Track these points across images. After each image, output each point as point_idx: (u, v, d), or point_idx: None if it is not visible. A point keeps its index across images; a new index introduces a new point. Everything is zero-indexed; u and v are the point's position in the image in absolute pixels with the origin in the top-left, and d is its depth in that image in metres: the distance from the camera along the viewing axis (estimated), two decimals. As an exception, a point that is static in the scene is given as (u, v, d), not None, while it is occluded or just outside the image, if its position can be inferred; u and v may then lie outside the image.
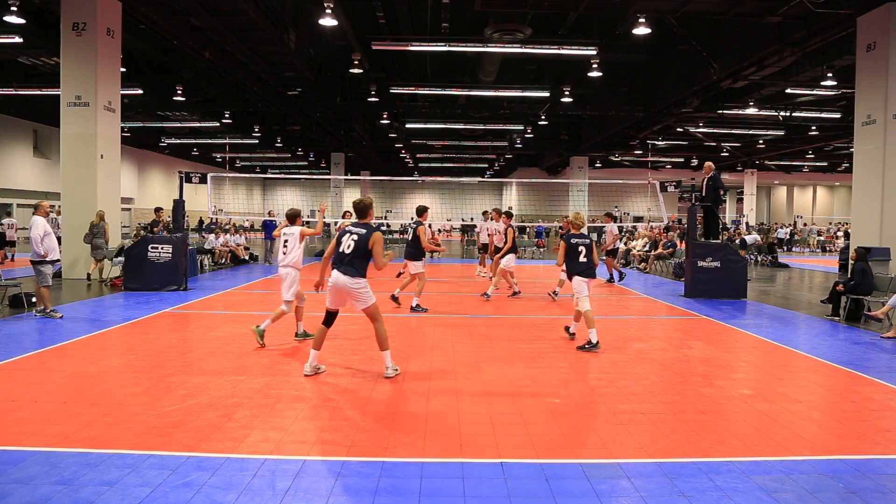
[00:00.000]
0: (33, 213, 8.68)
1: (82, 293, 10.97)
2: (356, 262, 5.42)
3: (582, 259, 7.17)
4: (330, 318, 5.69)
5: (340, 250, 5.47)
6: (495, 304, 10.47)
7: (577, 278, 7.18)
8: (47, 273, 8.50)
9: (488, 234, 13.79)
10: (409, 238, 9.87)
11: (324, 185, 49.66)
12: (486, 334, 7.81)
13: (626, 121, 23.53)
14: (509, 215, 11.72)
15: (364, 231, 5.44)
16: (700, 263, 11.42)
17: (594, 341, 6.89)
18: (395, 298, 9.74)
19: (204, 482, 3.37)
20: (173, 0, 13.19)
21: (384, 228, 33.67)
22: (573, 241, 7.23)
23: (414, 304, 9.40)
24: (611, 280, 14.14)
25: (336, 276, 5.43)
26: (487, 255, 14.06)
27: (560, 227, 9.58)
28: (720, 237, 12.66)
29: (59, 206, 13.44)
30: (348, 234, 5.47)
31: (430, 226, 9.13)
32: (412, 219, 10.11)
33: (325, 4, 12.52)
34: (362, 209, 5.65)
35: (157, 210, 16.01)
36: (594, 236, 38.06)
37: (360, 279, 5.42)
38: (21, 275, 12.14)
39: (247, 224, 41.26)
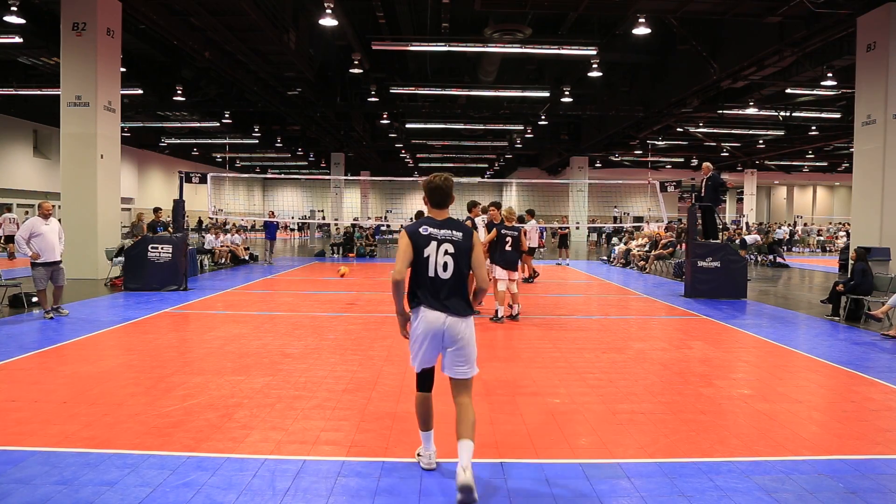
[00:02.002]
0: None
1: (82, 293, 10.97)
2: (460, 288, 3.40)
3: (507, 248, 8.44)
4: (427, 380, 3.57)
5: (432, 274, 3.36)
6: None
7: (498, 268, 8.44)
8: (37, 276, 8.41)
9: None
10: None
11: (324, 185, 49.67)
12: (486, 334, 7.81)
13: (626, 121, 23.53)
14: (531, 213, 12.14)
15: (461, 234, 3.42)
16: (700, 263, 11.42)
17: (500, 315, 8.52)
18: None
19: (204, 482, 3.37)
20: (173, 0, 13.19)
21: (383, 228, 33.66)
22: (503, 231, 8.41)
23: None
24: (528, 279, 13.94)
25: (433, 317, 3.32)
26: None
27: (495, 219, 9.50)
28: (720, 237, 12.66)
29: (59, 206, 13.42)
30: (435, 243, 3.36)
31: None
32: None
33: (325, 4, 12.52)
34: (446, 191, 3.48)
35: (157, 210, 16.00)
36: (594, 236, 38.12)
37: (471, 316, 3.45)
38: (21, 275, 12.13)
39: (247, 224, 41.26)
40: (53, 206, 9.16)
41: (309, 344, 7.02)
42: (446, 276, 3.35)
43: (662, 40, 17.35)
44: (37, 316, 8.49)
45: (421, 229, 3.37)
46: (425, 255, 3.34)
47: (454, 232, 3.40)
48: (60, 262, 8.77)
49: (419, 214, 10.60)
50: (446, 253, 3.35)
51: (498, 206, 9.95)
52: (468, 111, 24.04)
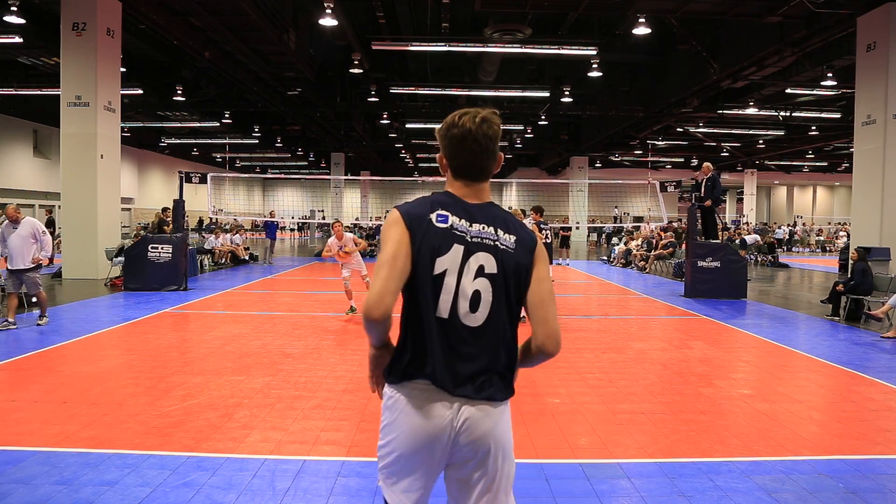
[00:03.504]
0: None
1: (82, 293, 10.97)
2: (501, 347, 1.75)
3: None
4: None
5: (446, 312, 1.69)
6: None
7: None
8: (7, 283, 7.88)
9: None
10: None
11: (324, 185, 49.67)
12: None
13: (626, 121, 23.53)
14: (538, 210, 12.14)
15: (514, 238, 1.78)
16: (700, 263, 11.42)
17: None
18: None
19: (204, 482, 3.36)
20: (173, 0, 13.19)
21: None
22: None
23: None
24: None
25: (437, 412, 1.69)
26: None
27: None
28: (719, 237, 12.66)
29: (59, 206, 13.45)
30: (460, 249, 1.71)
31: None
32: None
33: (325, 4, 12.52)
34: (485, 146, 1.77)
35: (165, 210, 15.99)
36: (594, 236, 38.10)
37: (508, 404, 1.83)
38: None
39: (247, 224, 41.28)
40: (22, 207, 8.42)
41: (309, 344, 7.01)
42: (477, 318, 1.68)
43: (662, 40, 17.34)
44: None
45: (434, 215, 1.70)
46: (437, 272, 1.66)
47: (502, 233, 1.74)
48: (31, 268, 7.76)
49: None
50: (481, 273, 1.69)
51: (540, 210, 9.93)
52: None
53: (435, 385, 1.66)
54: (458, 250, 1.69)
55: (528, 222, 10.01)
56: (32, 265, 7.76)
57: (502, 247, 1.73)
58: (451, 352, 1.67)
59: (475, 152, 1.75)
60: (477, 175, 1.80)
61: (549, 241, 10.89)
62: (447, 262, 1.67)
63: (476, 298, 1.68)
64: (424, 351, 1.67)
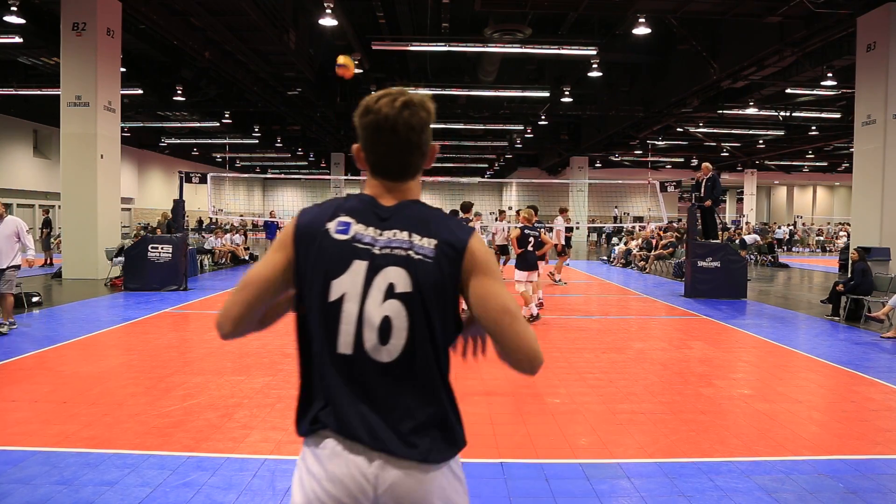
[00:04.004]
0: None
1: (82, 293, 10.97)
2: (424, 389, 1.35)
3: (529, 248, 8.29)
4: None
5: (348, 347, 1.33)
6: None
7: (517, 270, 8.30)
8: None
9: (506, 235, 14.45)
10: None
11: (324, 185, 49.67)
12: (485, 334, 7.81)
13: (626, 121, 23.54)
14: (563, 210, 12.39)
15: (433, 243, 1.35)
16: (700, 263, 11.42)
17: (535, 314, 8.29)
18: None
19: (204, 482, 3.36)
20: (173, 0, 13.19)
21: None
22: (526, 231, 8.34)
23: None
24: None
25: (349, 465, 1.30)
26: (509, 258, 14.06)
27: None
28: (719, 237, 12.67)
29: (59, 206, 13.46)
30: (363, 265, 1.33)
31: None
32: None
33: (325, 4, 12.52)
34: (404, 134, 1.36)
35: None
36: (594, 236, 38.10)
37: (451, 465, 1.39)
38: (20, 275, 12.13)
39: (247, 224, 41.26)
40: (7, 205, 7.99)
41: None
42: (390, 352, 1.32)
43: (662, 40, 17.34)
44: None
45: (334, 224, 1.37)
46: (333, 298, 1.33)
47: (418, 239, 1.35)
48: (10, 268, 7.40)
49: (467, 208, 10.25)
50: (391, 294, 1.32)
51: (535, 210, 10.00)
52: (468, 111, 24.04)
53: (344, 438, 1.29)
54: (358, 268, 1.31)
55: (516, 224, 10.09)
56: (18, 265, 7.44)
57: (417, 256, 1.32)
58: (360, 396, 1.30)
59: (393, 145, 1.36)
60: (396, 174, 1.40)
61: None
62: (346, 284, 1.31)
63: (386, 327, 1.30)
64: (326, 397, 1.32)
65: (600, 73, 17.34)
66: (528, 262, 8.28)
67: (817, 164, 38.66)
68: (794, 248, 31.72)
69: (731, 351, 7.04)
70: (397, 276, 1.32)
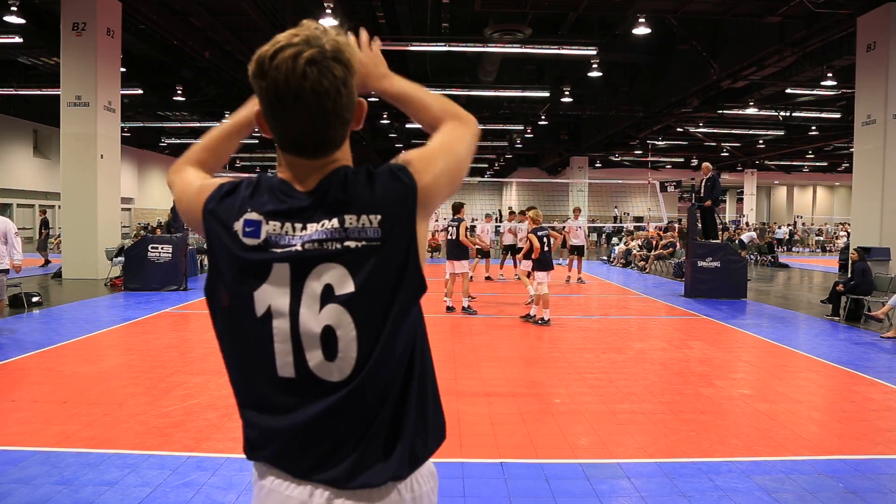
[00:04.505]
0: None
1: (82, 293, 10.97)
2: (383, 407, 1.10)
3: (545, 248, 8.34)
4: None
5: (288, 369, 1.09)
6: (496, 305, 10.47)
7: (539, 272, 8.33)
8: None
9: (510, 233, 14.84)
10: (453, 237, 9.48)
11: (324, 185, 49.66)
12: (488, 333, 7.81)
13: (626, 121, 23.53)
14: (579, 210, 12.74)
15: (379, 218, 1.08)
16: (700, 263, 11.42)
17: (546, 318, 8.27)
18: (452, 308, 9.44)
19: (204, 482, 3.36)
20: (173, 0, 13.19)
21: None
22: (539, 233, 8.38)
23: (465, 305, 9.43)
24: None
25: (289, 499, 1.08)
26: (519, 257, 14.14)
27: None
28: (719, 237, 12.68)
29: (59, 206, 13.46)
30: (284, 270, 1.08)
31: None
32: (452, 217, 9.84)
33: (325, 4, 12.53)
34: (331, 117, 1.07)
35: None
36: (594, 236, 38.11)
37: (415, 481, 1.17)
38: (21, 275, 12.13)
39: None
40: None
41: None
42: (340, 368, 1.07)
43: (662, 40, 17.34)
44: None
45: (241, 224, 1.10)
46: (259, 313, 1.08)
47: (352, 220, 1.07)
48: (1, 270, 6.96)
49: (457, 207, 10.13)
50: (330, 298, 1.06)
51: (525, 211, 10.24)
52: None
53: (283, 471, 1.10)
54: (281, 273, 1.06)
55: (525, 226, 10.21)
56: (7, 268, 7.00)
57: (356, 245, 1.05)
58: (306, 424, 1.07)
59: (301, 117, 1.04)
60: (312, 150, 1.09)
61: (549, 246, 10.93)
62: (269, 294, 1.06)
63: (330, 339, 1.06)
64: (266, 427, 1.11)
65: (600, 73, 17.35)
66: (546, 263, 8.38)
67: (817, 164, 38.67)
68: (793, 248, 31.72)
69: (731, 351, 7.04)
70: (334, 275, 1.06)
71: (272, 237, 1.08)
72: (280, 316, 1.07)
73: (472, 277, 11.85)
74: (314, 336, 1.06)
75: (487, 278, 14.36)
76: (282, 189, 1.11)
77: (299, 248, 1.07)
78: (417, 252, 1.10)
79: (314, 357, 1.07)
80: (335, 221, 1.07)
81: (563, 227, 15.00)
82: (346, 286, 1.06)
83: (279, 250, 1.07)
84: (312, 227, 1.07)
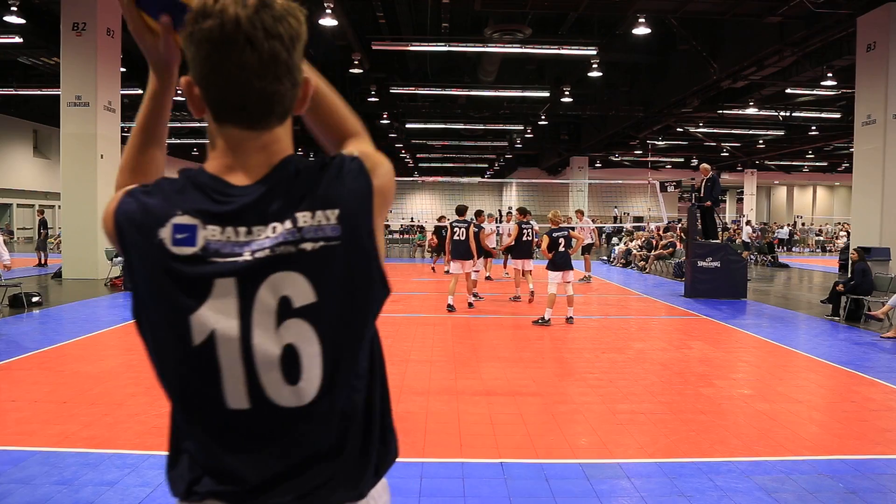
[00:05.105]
0: None
1: (82, 293, 10.97)
2: (367, 417, 1.01)
3: (560, 249, 8.35)
4: None
5: (239, 401, 0.93)
6: (497, 305, 10.47)
7: (550, 272, 8.43)
8: None
9: (509, 235, 14.88)
10: (462, 238, 9.89)
11: (324, 185, 49.69)
12: (489, 333, 7.81)
13: (626, 121, 23.54)
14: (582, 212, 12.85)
15: (337, 213, 0.94)
16: (700, 263, 11.42)
17: (546, 318, 8.37)
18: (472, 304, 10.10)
19: (204, 482, 3.36)
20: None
21: (385, 226, 33.70)
22: (555, 234, 8.40)
23: (470, 302, 9.89)
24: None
25: None
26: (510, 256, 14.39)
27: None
28: (719, 237, 12.68)
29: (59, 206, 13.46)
30: (239, 288, 0.90)
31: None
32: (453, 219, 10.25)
33: (325, 4, 12.52)
34: (284, 71, 0.92)
35: None
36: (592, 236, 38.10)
37: None
38: (20, 275, 12.15)
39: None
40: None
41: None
42: (305, 391, 0.93)
43: (662, 40, 17.35)
44: None
45: (169, 230, 0.90)
46: (199, 340, 0.90)
47: (307, 218, 0.92)
48: None
49: (461, 210, 10.41)
50: (288, 312, 0.91)
51: (524, 211, 10.86)
52: (468, 111, 24.04)
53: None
54: (225, 290, 0.89)
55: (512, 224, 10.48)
56: None
57: (313, 246, 0.91)
58: (265, 461, 0.94)
59: (249, 66, 0.88)
60: (257, 113, 0.92)
61: (529, 238, 11.09)
62: (211, 317, 0.89)
63: (291, 359, 0.91)
64: (213, 467, 0.95)
65: (600, 73, 17.35)
66: (560, 264, 8.42)
67: (817, 164, 38.68)
68: (793, 248, 31.73)
69: (731, 351, 7.04)
70: (292, 285, 0.90)
71: (211, 245, 0.90)
72: (227, 341, 0.90)
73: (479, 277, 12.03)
74: (272, 359, 0.91)
75: (488, 278, 14.38)
76: (216, 186, 0.93)
77: (248, 257, 0.89)
78: (378, 253, 0.97)
79: (272, 382, 0.91)
80: (288, 223, 0.91)
81: (573, 229, 15.21)
82: (306, 296, 0.91)
83: (221, 260, 0.89)
84: (261, 232, 0.91)
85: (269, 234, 0.91)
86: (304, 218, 0.91)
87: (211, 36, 0.87)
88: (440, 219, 19.22)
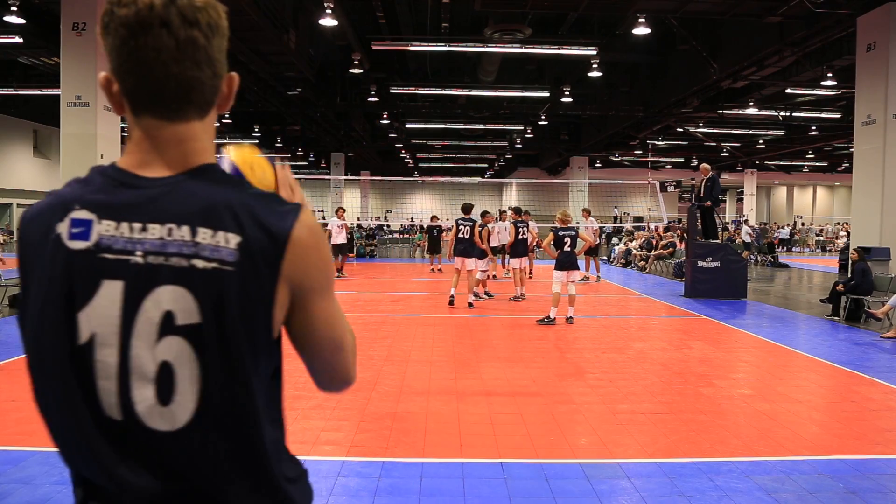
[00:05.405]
0: None
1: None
2: (248, 457, 0.91)
3: (566, 248, 8.35)
4: None
5: (116, 413, 0.87)
6: (497, 305, 10.47)
7: (556, 271, 8.47)
8: None
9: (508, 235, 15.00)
10: (466, 236, 10.05)
11: (324, 184, 49.70)
12: (486, 334, 7.81)
13: (626, 121, 23.54)
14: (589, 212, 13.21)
15: (238, 240, 0.87)
16: (700, 263, 11.43)
17: (552, 317, 8.41)
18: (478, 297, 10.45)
19: (204, 482, 3.36)
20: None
21: (385, 226, 33.70)
22: (561, 233, 8.40)
23: (470, 301, 10.04)
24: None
25: None
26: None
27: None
28: (719, 237, 12.69)
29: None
30: (125, 293, 0.86)
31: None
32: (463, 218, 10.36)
33: (325, 4, 12.53)
34: (203, 57, 0.90)
35: None
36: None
37: None
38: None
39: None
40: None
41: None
42: (174, 416, 0.87)
43: (662, 40, 17.36)
44: None
45: (66, 224, 0.87)
46: (81, 340, 0.86)
47: (206, 235, 0.86)
48: None
49: (467, 208, 10.51)
50: (169, 328, 0.85)
51: (518, 211, 11.03)
52: (468, 111, 24.06)
53: None
54: (111, 292, 0.85)
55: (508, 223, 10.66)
56: None
57: (206, 265, 0.85)
58: (129, 478, 0.86)
59: (165, 47, 0.86)
60: (173, 101, 0.89)
61: (525, 236, 11.14)
62: (96, 318, 0.85)
63: (166, 379, 0.86)
64: (80, 478, 0.91)
65: (600, 73, 17.36)
66: (566, 263, 8.43)
67: (817, 164, 38.66)
68: (793, 248, 31.74)
69: (731, 351, 7.04)
70: (176, 300, 0.85)
71: (104, 241, 0.85)
72: (106, 346, 0.85)
73: (491, 276, 12.13)
74: (147, 374, 0.85)
75: (494, 277, 14.38)
76: (123, 179, 0.89)
77: (139, 259, 0.85)
78: (272, 315, 0.88)
79: (144, 399, 0.85)
80: (185, 230, 0.85)
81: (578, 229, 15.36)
82: (191, 315, 0.85)
83: (112, 258, 0.85)
84: (155, 230, 0.85)
85: (164, 236, 0.85)
86: (204, 233, 0.85)
87: (126, 21, 0.86)
88: (433, 219, 19.26)
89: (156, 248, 0.85)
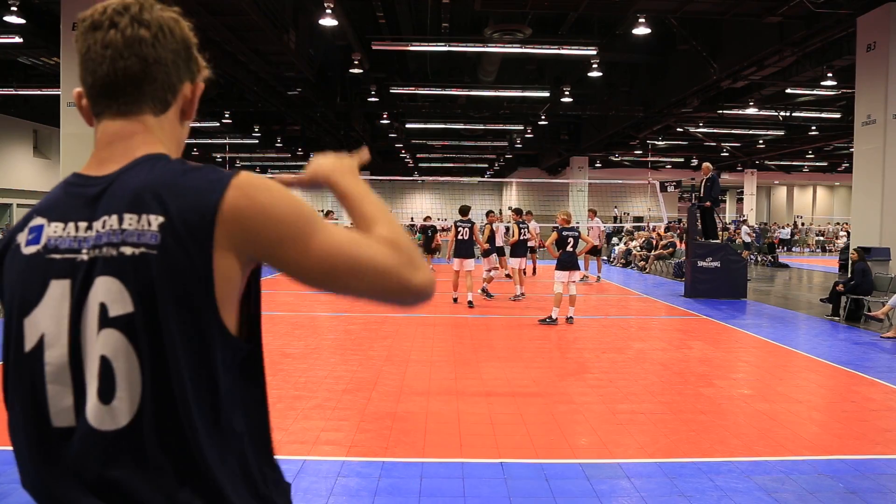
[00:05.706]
0: None
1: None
2: (199, 466, 0.84)
3: (569, 249, 8.43)
4: None
5: (69, 419, 0.84)
6: (497, 305, 10.47)
7: (557, 271, 8.53)
8: None
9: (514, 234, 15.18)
10: (465, 238, 10.29)
11: (324, 185, 49.71)
12: (486, 334, 7.81)
13: (626, 121, 23.54)
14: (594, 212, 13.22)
15: (161, 220, 0.84)
16: (700, 263, 11.43)
17: (553, 317, 8.45)
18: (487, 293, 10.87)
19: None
20: (172, 0, 13.19)
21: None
22: (564, 233, 8.48)
23: (469, 300, 10.20)
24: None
25: None
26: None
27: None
28: (720, 237, 12.69)
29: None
30: (71, 291, 0.85)
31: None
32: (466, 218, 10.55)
33: (325, 4, 12.53)
34: (149, 53, 0.92)
35: None
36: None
37: None
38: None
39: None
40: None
41: (309, 344, 7.02)
42: (114, 416, 0.81)
43: (662, 40, 17.35)
44: None
45: (25, 234, 0.89)
46: (30, 346, 0.85)
47: (132, 220, 0.83)
48: None
49: (465, 210, 10.65)
50: (105, 321, 0.82)
51: (519, 211, 11.24)
52: (468, 111, 24.06)
53: None
54: (59, 291, 0.84)
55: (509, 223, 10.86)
56: None
57: (133, 252, 0.82)
58: (74, 488, 0.82)
59: (113, 42, 0.88)
60: (122, 90, 0.90)
61: (526, 236, 11.18)
62: (43, 320, 0.84)
63: (106, 375, 0.81)
64: (33, 490, 0.88)
65: (600, 73, 17.36)
66: (567, 263, 8.49)
67: (817, 164, 38.66)
68: (793, 248, 31.74)
69: (731, 351, 7.04)
70: (109, 291, 0.82)
71: (51, 242, 0.85)
72: (54, 346, 0.83)
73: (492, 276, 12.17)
74: (91, 372, 0.82)
75: (507, 276, 14.41)
76: (76, 181, 0.90)
77: (84, 257, 0.84)
78: (215, 294, 0.83)
79: (90, 397, 0.82)
80: (114, 219, 0.84)
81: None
82: (124, 305, 0.81)
83: (59, 257, 0.84)
84: (99, 225, 0.85)
85: (99, 229, 0.84)
86: (130, 219, 0.83)
87: (84, 27, 0.90)
88: (426, 219, 19.27)
89: (98, 243, 0.83)
